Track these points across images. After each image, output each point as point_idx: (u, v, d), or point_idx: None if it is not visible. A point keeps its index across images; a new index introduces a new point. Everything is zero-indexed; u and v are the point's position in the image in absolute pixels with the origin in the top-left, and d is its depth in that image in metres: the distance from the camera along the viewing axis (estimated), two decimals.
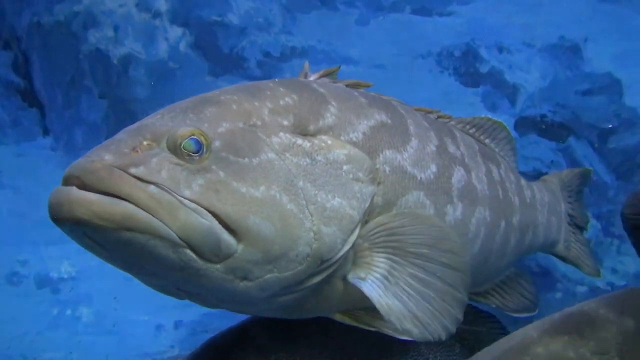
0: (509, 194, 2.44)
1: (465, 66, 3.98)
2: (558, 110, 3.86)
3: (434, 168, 1.98)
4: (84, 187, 1.39)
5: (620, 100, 3.75)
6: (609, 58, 3.79)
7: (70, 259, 3.37)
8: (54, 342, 3.10)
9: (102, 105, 3.72)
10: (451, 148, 2.14)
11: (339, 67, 2.05)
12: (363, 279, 1.69)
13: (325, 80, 2.00)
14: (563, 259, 3.02)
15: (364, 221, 1.74)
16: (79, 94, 3.83)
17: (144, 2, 3.85)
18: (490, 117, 2.60)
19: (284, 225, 1.56)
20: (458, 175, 2.08)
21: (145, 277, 1.60)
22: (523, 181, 2.65)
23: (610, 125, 3.66)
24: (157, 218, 1.41)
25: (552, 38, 3.94)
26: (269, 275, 1.58)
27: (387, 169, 1.83)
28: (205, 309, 3.37)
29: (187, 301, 3.31)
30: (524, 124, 3.87)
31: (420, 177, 1.91)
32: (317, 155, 1.68)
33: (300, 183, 1.61)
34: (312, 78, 2.01)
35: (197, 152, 1.50)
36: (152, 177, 1.43)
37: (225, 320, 3.33)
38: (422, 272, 1.70)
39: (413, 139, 1.96)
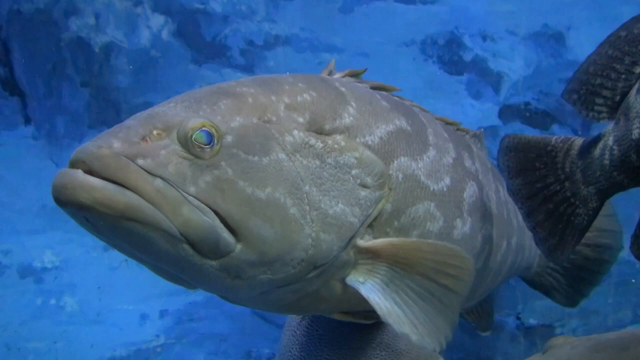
0: (510, 214, 2.44)
1: (449, 54, 3.98)
2: (542, 98, 3.88)
3: (447, 180, 1.94)
4: (90, 172, 1.37)
5: None
6: (592, 46, 3.80)
7: (53, 249, 3.35)
8: (38, 332, 3.08)
9: (84, 94, 3.68)
10: (467, 162, 2.11)
11: (365, 70, 2.01)
12: (362, 283, 1.67)
13: (350, 79, 1.96)
14: (532, 284, 3.03)
15: (369, 225, 1.72)
16: (61, 83, 3.79)
17: None
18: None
19: (284, 229, 1.53)
20: (470, 191, 2.05)
21: (140, 261, 1.59)
22: None
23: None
24: (160, 212, 1.39)
25: (536, 26, 3.95)
26: (261, 276, 1.57)
27: (400, 176, 1.80)
28: (191, 298, 3.38)
29: (172, 290, 3.31)
30: (508, 112, 3.89)
31: (433, 189, 1.88)
32: (327, 158, 1.64)
33: (307, 187, 1.58)
34: (336, 76, 1.96)
35: (208, 144, 1.47)
36: (159, 170, 1.41)
37: (211, 309, 3.34)
38: (423, 289, 1.67)
39: (431, 149, 1.93)
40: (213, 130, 1.48)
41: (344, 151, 1.68)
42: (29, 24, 3.82)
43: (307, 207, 1.57)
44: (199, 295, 3.32)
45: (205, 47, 3.85)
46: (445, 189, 1.93)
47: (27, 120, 3.82)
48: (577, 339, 2.31)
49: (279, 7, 4.01)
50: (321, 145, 1.64)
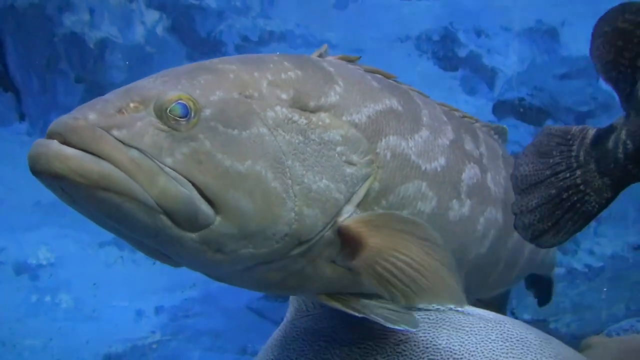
0: None
1: (444, 50, 3.99)
2: (536, 93, 3.89)
3: (442, 161, 1.93)
4: (65, 143, 1.36)
5: (596, 84, 3.79)
6: (586, 42, 3.81)
7: (48, 245, 3.35)
8: (34, 329, 3.08)
9: (79, 89, 3.68)
10: (469, 145, 2.10)
11: (359, 58, 1.97)
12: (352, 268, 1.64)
13: (342, 62, 1.93)
14: (550, 283, 3.02)
15: (357, 204, 1.70)
16: (55, 79, 3.79)
17: None
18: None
19: (265, 202, 1.53)
20: (470, 173, 2.03)
21: (121, 235, 1.59)
22: None
23: (587, 109, 3.70)
24: (135, 182, 1.39)
25: (530, 22, 3.96)
26: (243, 250, 1.55)
27: (389, 154, 1.78)
28: (187, 295, 3.38)
29: (167, 286, 3.32)
30: (502, 108, 3.89)
31: (425, 168, 1.87)
32: (311, 134, 1.64)
33: (289, 162, 1.57)
34: (327, 59, 1.94)
35: (185, 116, 1.45)
36: (135, 141, 1.40)
37: (206, 305, 3.35)
38: (406, 262, 1.66)
39: (424, 129, 1.91)
40: (190, 103, 1.47)
41: (329, 128, 1.67)
42: (23, 19, 3.81)
43: (290, 182, 1.57)
44: (194, 291, 3.33)
45: (200, 43, 3.85)
46: (439, 169, 1.91)
47: (22, 117, 3.82)
48: (610, 339, 2.32)
49: (274, 3, 4.01)
50: (305, 121, 1.64)
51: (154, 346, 3.22)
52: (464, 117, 2.27)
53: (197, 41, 3.87)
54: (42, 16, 3.77)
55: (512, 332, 1.84)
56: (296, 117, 1.63)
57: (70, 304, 3.24)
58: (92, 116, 1.40)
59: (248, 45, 3.91)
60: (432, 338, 1.79)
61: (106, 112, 1.42)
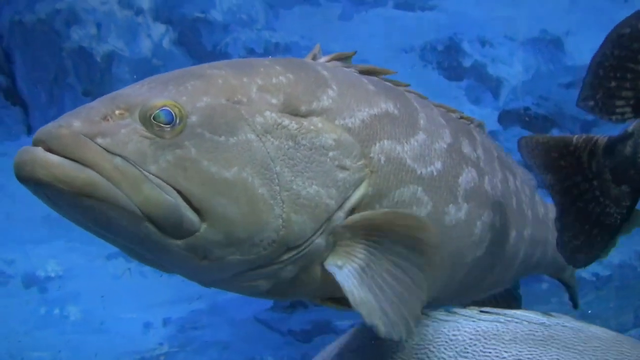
0: (522, 205, 2.40)
1: (449, 60, 4.00)
2: (541, 102, 3.89)
3: (438, 165, 1.91)
4: (50, 151, 1.37)
5: None
6: (591, 51, 3.82)
7: (57, 258, 3.36)
8: (42, 341, 3.09)
9: (86, 102, 3.70)
10: (466, 149, 2.08)
11: (355, 52, 1.94)
12: (340, 267, 1.65)
13: (337, 63, 1.91)
14: (569, 287, 3.01)
15: (350, 209, 1.70)
16: (63, 92, 3.81)
17: None
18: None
19: (251, 209, 1.52)
20: (468, 177, 2.01)
21: (109, 241, 1.59)
22: (538, 197, 2.61)
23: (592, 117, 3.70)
24: (119, 189, 1.39)
25: (534, 31, 3.97)
26: (230, 257, 1.55)
27: (383, 159, 1.76)
28: (194, 306, 3.38)
29: (175, 298, 3.32)
30: (507, 117, 3.90)
31: (421, 172, 1.85)
32: (302, 139, 1.62)
33: (278, 167, 1.56)
34: (321, 60, 1.92)
35: (169, 123, 1.46)
36: (119, 148, 1.41)
37: (214, 316, 3.35)
38: (397, 270, 1.66)
39: (421, 133, 1.89)
40: (176, 110, 1.47)
41: (321, 133, 1.65)
42: (31, 34, 3.84)
43: (278, 188, 1.55)
44: (201, 303, 3.33)
45: (206, 56, 3.87)
46: (435, 173, 1.89)
47: (30, 130, 3.84)
48: None
49: (279, 16, 4.03)
50: (296, 126, 1.62)
51: (162, 358, 3.22)
52: (461, 118, 2.27)
53: (203, 54, 3.89)
54: (50, 31, 3.80)
55: (631, 354, 1.67)
56: (286, 122, 1.62)
57: (79, 316, 3.25)
58: (76, 124, 1.41)
59: (254, 57, 3.92)
60: (539, 357, 1.67)
61: (91, 119, 1.43)
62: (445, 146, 1.96)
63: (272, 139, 1.58)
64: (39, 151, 1.37)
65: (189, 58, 3.85)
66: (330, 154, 1.66)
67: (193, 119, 1.50)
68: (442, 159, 1.93)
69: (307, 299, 1.87)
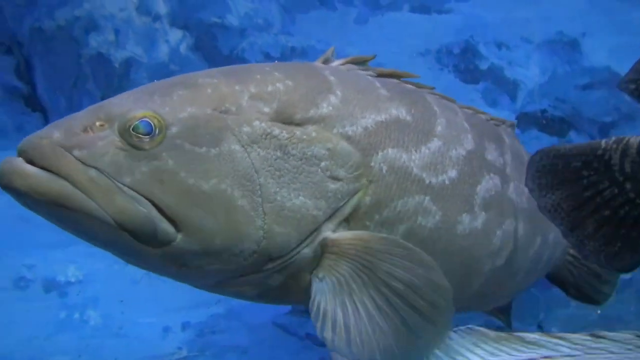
0: None
1: (465, 63, 3.99)
2: (558, 105, 3.87)
3: (453, 173, 1.85)
4: (30, 161, 1.43)
5: (619, 94, 3.76)
6: (607, 52, 3.80)
7: (76, 263, 3.39)
8: (63, 345, 3.10)
9: None
10: (491, 155, 2.02)
11: (374, 56, 1.92)
12: (319, 279, 1.62)
13: (352, 67, 1.89)
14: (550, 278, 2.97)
15: (342, 220, 1.67)
16: (82, 98, 3.85)
17: (144, 6, 3.87)
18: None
19: (229, 221, 1.52)
20: (488, 184, 1.96)
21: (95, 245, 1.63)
22: None
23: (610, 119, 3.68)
24: (93, 200, 1.43)
25: (550, 33, 3.95)
26: (209, 266, 1.56)
27: (385, 168, 1.73)
28: (213, 311, 3.39)
29: (193, 302, 3.32)
30: (524, 120, 3.88)
31: (430, 181, 1.80)
32: (292, 149, 1.60)
33: (262, 179, 1.55)
34: (335, 64, 1.89)
35: (148, 134, 1.47)
36: (94, 161, 1.44)
37: (232, 321, 3.35)
38: (385, 303, 1.58)
39: (435, 140, 1.84)
40: (155, 121, 1.48)
41: (314, 142, 1.63)
42: (50, 41, 3.88)
43: (260, 199, 1.54)
44: (219, 307, 3.34)
45: (222, 61, 3.88)
46: (447, 182, 1.84)
47: None
48: None
49: (295, 20, 4.04)
50: (286, 136, 1.60)
51: None
52: (490, 120, 2.20)
53: (219, 58, 3.90)
54: (69, 38, 3.84)
55: None
56: (276, 132, 1.60)
57: (98, 320, 3.26)
58: (56, 135, 1.46)
59: (270, 61, 3.93)
60: None
61: (71, 130, 1.47)
62: (464, 153, 1.91)
63: (258, 149, 1.56)
64: (19, 162, 1.43)
65: (205, 63, 3.87)
66: (323, 164, 1.63)
67: (173, 130, 1.50)
68: (458, 167, 1.87)
69: (300, 305, 1.85)
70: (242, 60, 3.91)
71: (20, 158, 1.44)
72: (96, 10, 3.80)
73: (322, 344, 3.49)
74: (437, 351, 1.51)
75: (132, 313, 3.29)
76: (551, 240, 2.37)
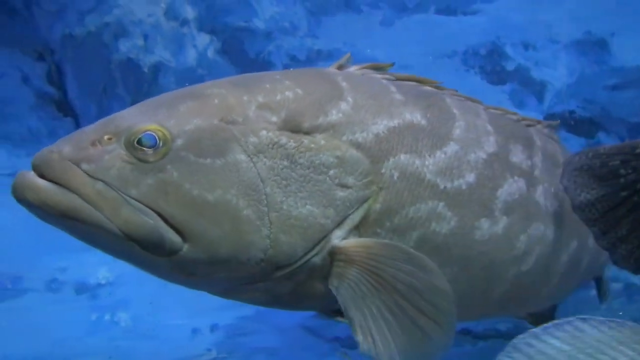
0: None
1: (491, 64, 3.97)
2: (586, 105, 3.84)
3: (471, 178, 1.83)
4: (42, 175, 1.49)
5: None
6: (637, 52, 3.76)
7: (107, 265, 3.43)
8: (93, 347, 3.14)
9: None
10: (517, 157, 1.99)
11: (393, 64, 1.91)
12: (336, 287, 1.63)
13: (368, 72, 1.88)
14: (601, 281, 2.93)
15: (352, 227, 1.68)
16: (112, 103, 3.90)
17: (172, 11, 3.91)
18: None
19: (234, 230, 1.54)
20: (511, 188, 1.93)
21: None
22: None
23: None
24: (101, 213, 1.48)
25: (578, 33, 3.92)
26: (217, 275, 1.59)
27: (396, 174, 1.72)
28: (241, 313, 3.42)
29: (222, 304, 3.34)
30: (552, 120, 3.85)
31: (445, 187, 1.78)
32: (299, 158, 1.62)
33: (268, 188, 1.57)
34: (351, 69, 1.89)
35: (152, 147, 1.52)
36: (101, 174, 1.49)
37: (261, 323, 3.37)
38: (395, 305, 1.61)
39: (452, 144, 1.83)
40: (159, 134, 1.51)
41: (322, 150, 1.64)
42: (81, 47, 3.93)
43: (265, 209, 1.56)
44: (249, 309, 3.35)
45: (249, 64, 3.91)
46: (464, 187, 1.81)
47: None
48: None
49: (321, 23, 4.06)
50: (294, 144, 1.61)
51: None
52: (521, 120, 2.15)
53: (246, 62, 3.93)
54: (99, 43, 3.90)
55: None
56: (284, 141, 1.62)
57: (129, 322, 3.30)
58: (66, 149, 1.52)
59: (296, 64, 3.95)
60: None
61: (80, 145, 1.53)
62: (484, 156, 1.89)
63: (264, 159, 1.58)
64: (31, 175, 1.49)
65: (232, 67, 3.90)
66: (331, 172, 1.64)
67: (178, 142, 1.53)
68: (476, 171, 1.86)
69: (313, 311, 1.87)
70: (268, 63, 3.93)
71: (32, 172, 1.50)
72: (125, 16, 3.85)
73: (349, 346, 3.50)
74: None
75: (162, 315, 3.32)
76: (592, 245, 2.32)
